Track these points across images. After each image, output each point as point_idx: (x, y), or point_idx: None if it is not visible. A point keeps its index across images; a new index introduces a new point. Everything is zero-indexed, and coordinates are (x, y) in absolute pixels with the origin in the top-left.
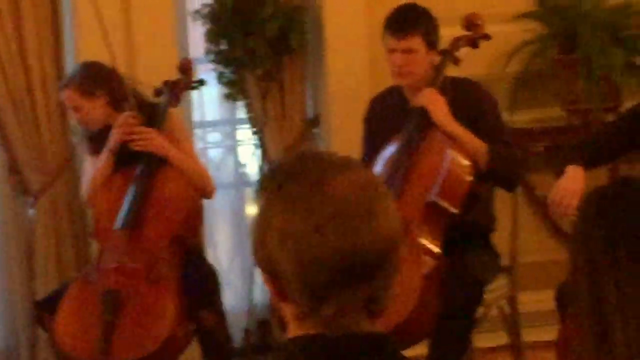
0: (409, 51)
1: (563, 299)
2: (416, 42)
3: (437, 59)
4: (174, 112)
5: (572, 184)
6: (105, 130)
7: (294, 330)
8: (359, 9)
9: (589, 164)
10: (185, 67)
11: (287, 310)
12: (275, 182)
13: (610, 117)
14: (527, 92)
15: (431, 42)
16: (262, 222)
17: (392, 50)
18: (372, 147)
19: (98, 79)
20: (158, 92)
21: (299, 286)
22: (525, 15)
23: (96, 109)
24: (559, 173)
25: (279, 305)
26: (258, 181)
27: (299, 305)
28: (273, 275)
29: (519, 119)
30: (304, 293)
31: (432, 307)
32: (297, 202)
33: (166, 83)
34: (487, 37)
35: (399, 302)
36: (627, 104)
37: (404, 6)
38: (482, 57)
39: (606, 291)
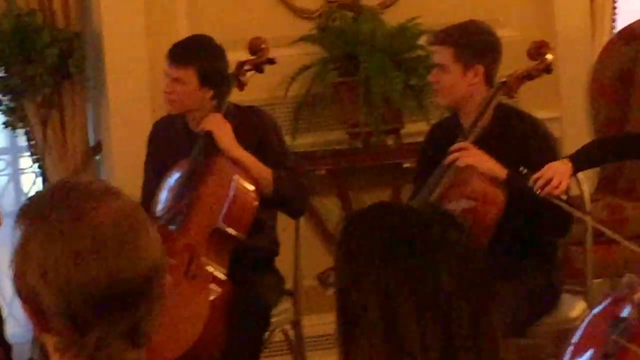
0: (178, 81)
1: None
2: (187, 75)
3: (210, 94)
4: None
5: None
6: None
7: None
8: (138, 34)
9: None
10: None
11: (49, 341)
12: (34, 212)
13: (391, 140)
14: (310, 116)
15: (206, 79)
16: (21, 252)
17: (165, 75)
18: (153, 170)
19: None
20: None
21: (60, 317)
22: (306, 39)
23: None
24: (341, 196)
25: (41, 336)
26: (16, 211)
27: (60, 336)
28: (34, 306)
29: (301, 142)
30: (65, 324)
31: (219, 332)
32: (56, 232)
33: None
34: (271, 61)
35: (187, 328)
36: (408, 126)
37: (191, 37)
38: (265, 82)
39: (402, 313)
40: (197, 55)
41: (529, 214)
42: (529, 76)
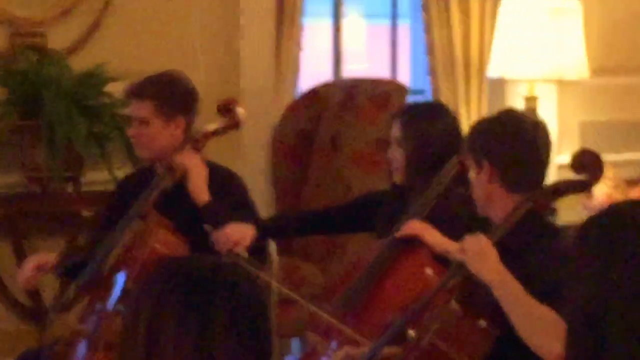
0: None
1: None
2: None
3: None
4: None
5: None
6: None
7: None
8: None
9: None
10: None
11: None
12: None
13: (70, 187)
14: None
15: None
16: None
17: None
18: None
19: None
20: None
21: None
22: None
23: None
24: (15, 242)
25: None
26: None
27: None
28: None
29: None
30: None
31: None
32: None
33: None
34: None
35: None
36: (89, 174)
37: None
38: None
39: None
40: None
41: None
42: (216, 132)
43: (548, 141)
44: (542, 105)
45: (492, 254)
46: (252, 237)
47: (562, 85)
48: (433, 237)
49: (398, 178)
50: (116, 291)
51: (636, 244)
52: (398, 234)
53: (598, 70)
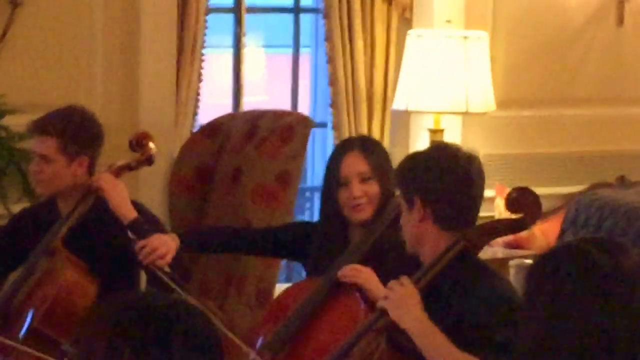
0: None
1: None
2: None
3: None
4: None
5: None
6: None
7: None
8: None
9: None
10: None
11: None
12: None
13: None
14: None
15: None
16: None
17: None
18: None
19: None
20: None
21: None
22: None
23: None
24: None
25: None
26: None
27: None
28: None
29: None
30: None
31: None
32: None
33: None
34: None
35: None
36: None
37: None
38: None
39: None
40: None
41: None
42: (128, 167)
43: (482, 176)
44: (446, 137)
45: (415, 303)
46: (175, 250)
47: (467, 117)
48: (375, 286)
49: (367, 214)
50: (23, 330)
51: (588, 284)
52: (342, 279)
53: (504, 102)
